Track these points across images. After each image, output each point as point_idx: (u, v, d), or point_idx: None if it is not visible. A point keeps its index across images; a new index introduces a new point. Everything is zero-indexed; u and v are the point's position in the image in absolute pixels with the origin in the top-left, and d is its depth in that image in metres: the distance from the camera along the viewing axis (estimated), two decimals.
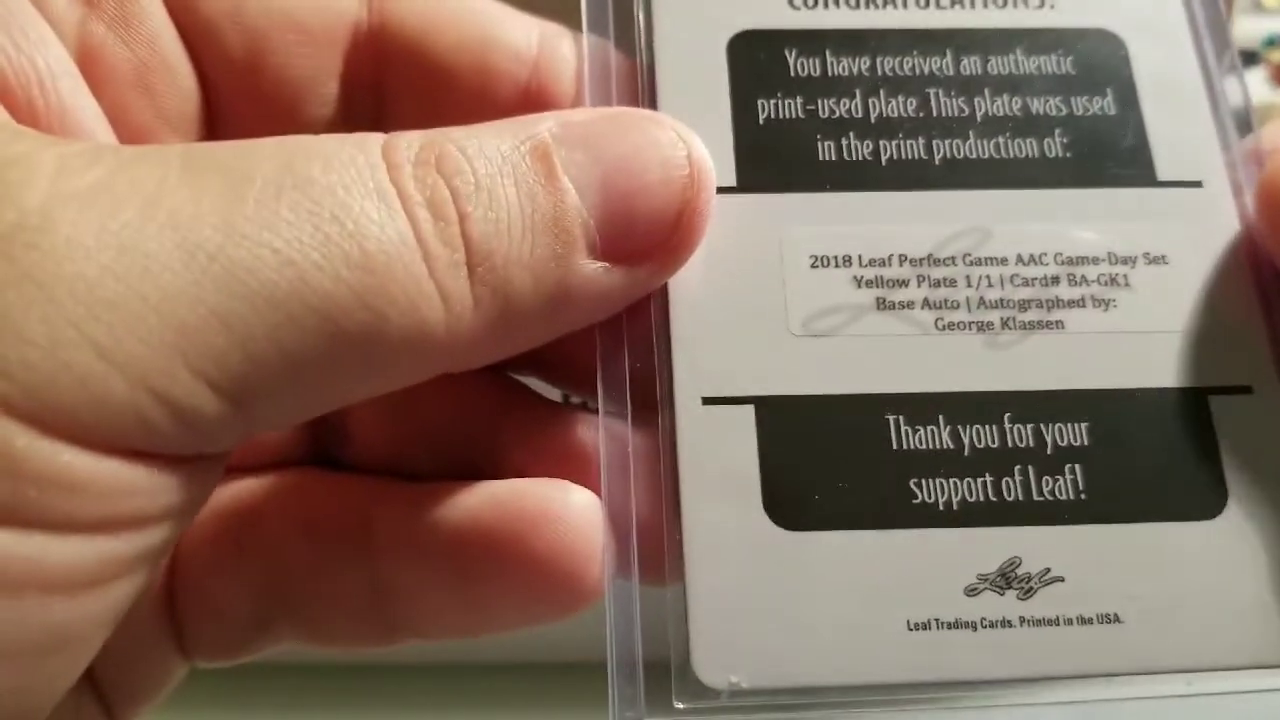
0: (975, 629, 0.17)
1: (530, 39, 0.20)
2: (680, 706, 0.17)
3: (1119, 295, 0.19)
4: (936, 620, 0.17)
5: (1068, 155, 0.20)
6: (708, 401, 0.18)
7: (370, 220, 0.16)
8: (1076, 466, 0.18)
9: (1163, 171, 0.20)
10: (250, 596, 0.20)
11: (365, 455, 0.21)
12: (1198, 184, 0.20)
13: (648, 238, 0.18)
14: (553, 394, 0.21)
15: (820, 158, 0.20)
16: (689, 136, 0.18)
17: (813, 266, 0.19)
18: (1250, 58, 0.41)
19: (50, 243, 0.14)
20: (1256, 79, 0.41)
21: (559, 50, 0.20)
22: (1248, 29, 0.42)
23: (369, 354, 0.16)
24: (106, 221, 0.15)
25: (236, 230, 0.15)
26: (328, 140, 0.16)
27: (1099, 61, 0.21)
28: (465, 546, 0.19)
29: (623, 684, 0.17)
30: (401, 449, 0.21)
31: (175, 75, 0.19)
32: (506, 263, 0.16)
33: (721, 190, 0.19)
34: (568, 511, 0.18)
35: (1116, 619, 0.18)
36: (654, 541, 0.18)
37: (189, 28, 0.20)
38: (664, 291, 0.19)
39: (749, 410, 0.18)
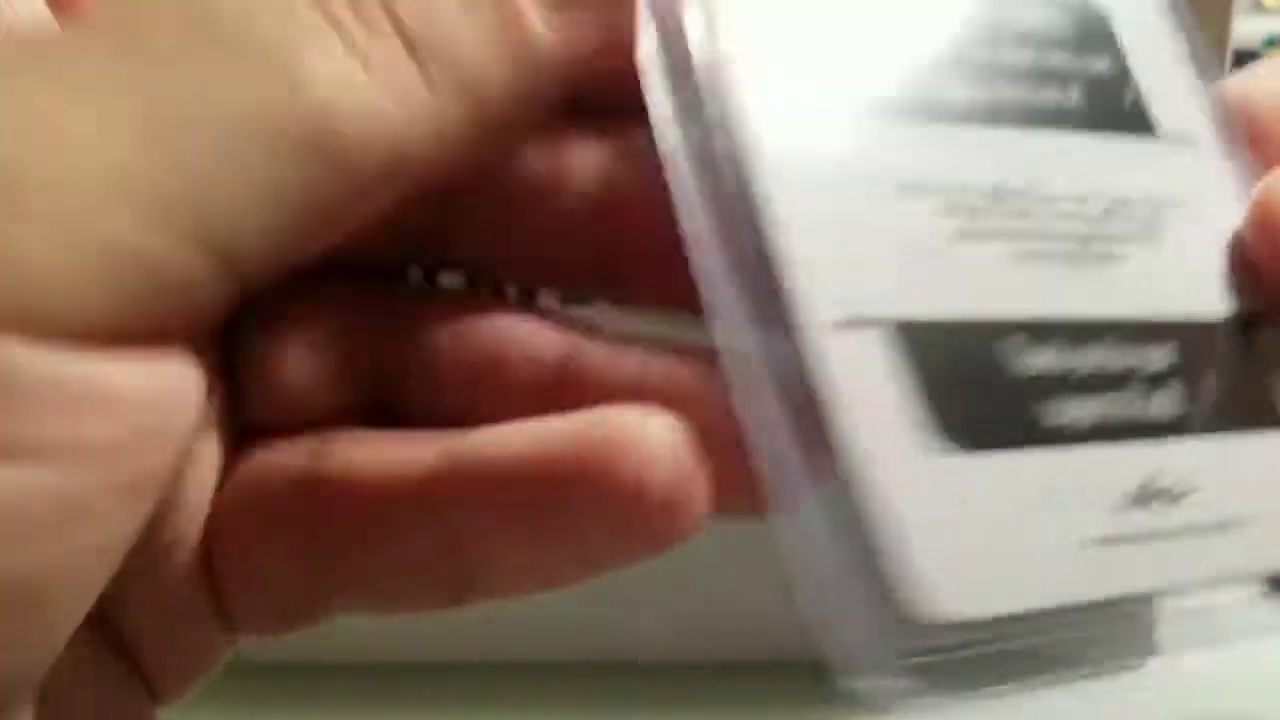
0: (1135, 542, 0.18)
1: None
2: (903, 647, 0.16)
3: (1164, 230, 0.20)
4: (1102, 537, 0.18)
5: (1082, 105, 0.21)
6: (838, 325, 0.18)
7: (294, 41, 0.15)
8: (1180, 381, 0.19)
9: (1162, 128, 0.21)
10: (299, 565, 0.18)
11: (428, 406, 0.19)
12: (1194, 140, 0.21)
13: None
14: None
15: None
16: None
17: (902, 194, 0.19)
18: (1250, 57, 0.41)
19: None
20: None
21: None
22: (1248, 29, 0.42)
23: (333, 172, 0.15)
24: (33, 102, 0.14)
25: (167, 85, 0.15)
26: None
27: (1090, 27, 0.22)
28: (543, 485, 0.17)
29: (837, 636, 0.16)
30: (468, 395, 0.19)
31: None
32: (452, 41, 0.16)
33: None
34: (648, 439, 0.17)
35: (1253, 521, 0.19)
36: (793, 474, 0.17)
37: None
38: (769, 215, 0.18)
39: (879, 333, 0.18)
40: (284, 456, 0.19)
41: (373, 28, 0.16)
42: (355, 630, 0.21)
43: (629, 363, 0.18)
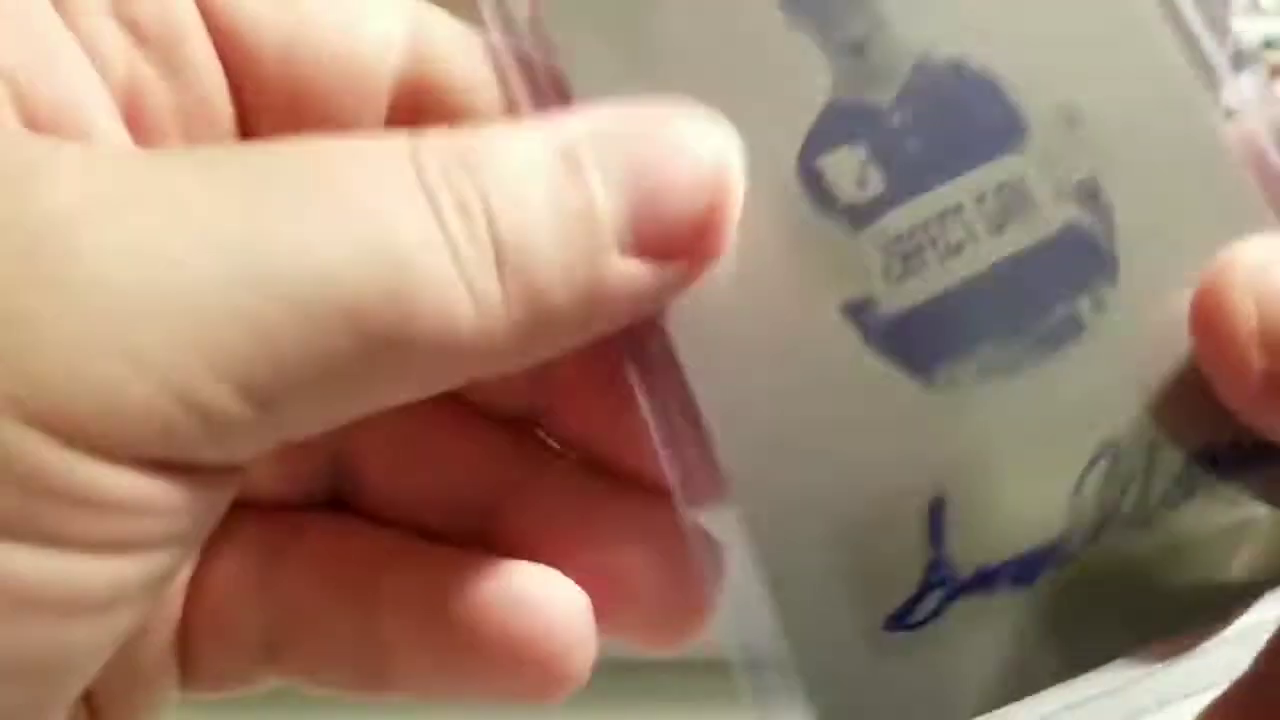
0: None
1: None
2: None
3: None
4: None
5: None
6: None
7: (399, 219, 0.16)
8: None
9: None
10: (261, 631, 0.20)
11: (378, 505, 0.21)
12: None
13: (677, 236, 0.18)
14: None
15: None
16: (716, 132, 0.18)
17: None
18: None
19: (74, 245, 0.14)
20: None
21: None
22: (1244, 30, 0.42)
23: (398, 356, 0.16)
24: (131, 225, 0.14)
25: (263, 231, 0.15)
26: (355, 141, 0.17)
27: None
28: (458, 621, 0.19)
29: None
30: (413, 505, 0.21)
31: (215, 119, 0.19)
32: (536, 262, 0.16)
33: None
34: (550, 604, 0.19)
35: None
36: None
37: (235, 69, 0.19)
38: None
39: None
40: (266, 527, 0.20)
41: (474, 235, 0.16)
42: None
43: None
